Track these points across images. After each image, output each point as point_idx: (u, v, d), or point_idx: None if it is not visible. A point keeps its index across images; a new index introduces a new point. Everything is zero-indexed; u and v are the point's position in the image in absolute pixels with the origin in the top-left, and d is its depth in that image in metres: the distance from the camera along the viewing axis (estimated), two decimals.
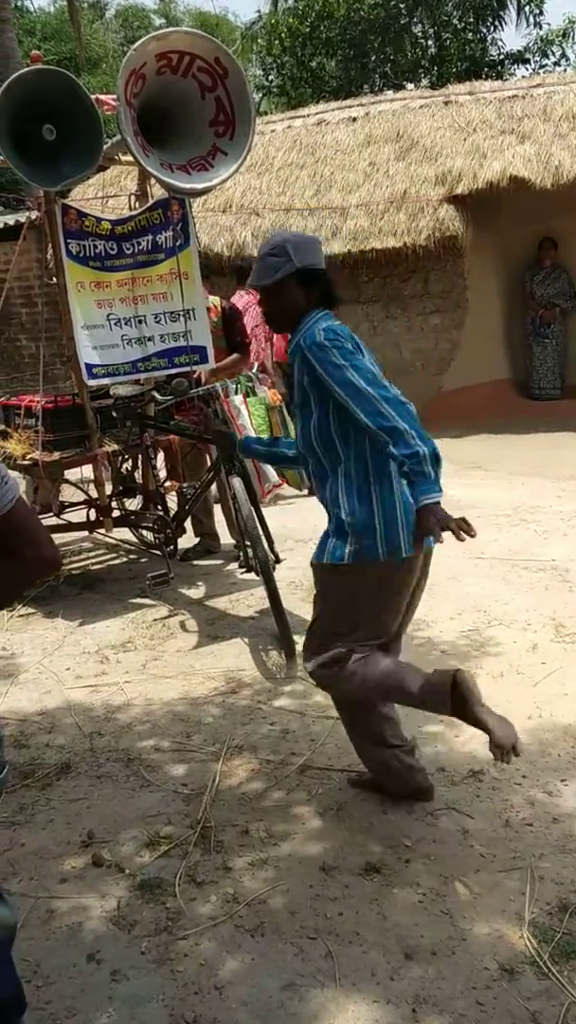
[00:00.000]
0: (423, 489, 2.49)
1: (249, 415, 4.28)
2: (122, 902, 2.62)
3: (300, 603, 4.80)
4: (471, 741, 3.33)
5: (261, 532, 4.40)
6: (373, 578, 2.74)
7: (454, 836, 2.81)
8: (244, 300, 6.95)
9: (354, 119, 10.48)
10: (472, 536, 2.45)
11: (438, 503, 2.48)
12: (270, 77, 19.48)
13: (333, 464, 2.76)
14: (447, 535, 2.45)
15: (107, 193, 9.04)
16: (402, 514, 2.69)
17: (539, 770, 3.12)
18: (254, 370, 4.65)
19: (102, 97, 4.64)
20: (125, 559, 6.06)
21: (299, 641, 4.14)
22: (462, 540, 2.46)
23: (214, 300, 5.69)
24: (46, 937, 2.51)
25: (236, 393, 4.39)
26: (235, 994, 2.26)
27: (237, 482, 4.39)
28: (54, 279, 5.68)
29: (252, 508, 4.36)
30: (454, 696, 2.63)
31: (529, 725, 3.41)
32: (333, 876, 2.67)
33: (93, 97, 4.46)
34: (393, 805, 2.98)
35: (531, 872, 2.61)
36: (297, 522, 6.23)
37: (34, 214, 10.10)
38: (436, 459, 2.52)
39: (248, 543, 4.43)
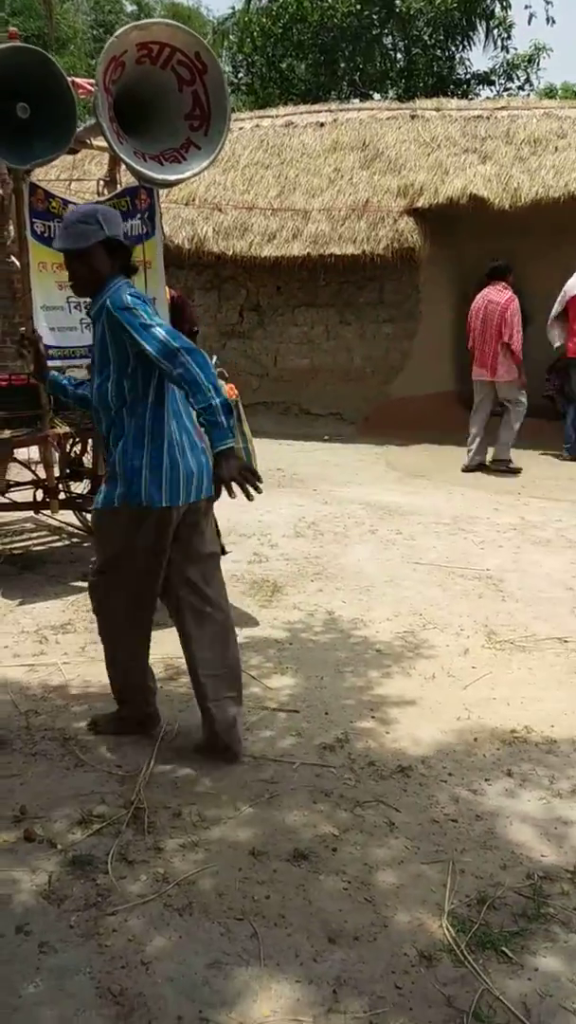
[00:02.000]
0: (217, 436, 2.86)
1: None
2: (53, 877, 2.65)
3: (241, 596, 4.87)
4: (401, 739, 3.43)
5: None
6: (134, 520, 3.12)
7: (381, 828, 2.90)
8: (505, 296, 7.96)
9: (322, 124, 10.61)
10: (258, 492, 2.95)
11: (232, 449, 2.90)
12: (239, 74, 19.53)
13: (123, 420, 3.10)
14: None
15: (71, 176, 8.99)
16: (168, 469, 3.07)
17: (465, 769, 3.23)
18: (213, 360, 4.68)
19: (78, 80, 4.65)
20: (67, 542, 6.05)
21: (240, 633, 4.22)
22: (249, 497, 2.94)
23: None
24: None
25: None
26: (161, 969, 2.31)
27: None
28: (11, 257, 5.65)
29: None
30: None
31: (457, 726, 3.53)
32: (262, 861, 2.73)
33: (69, 80, 4.45)
34: (324, 796, 3.06)
35: (452, 865, 2.71)
36: (242, 516, 6.30)
37: None
38: (228, 409, 2.89)
39: None
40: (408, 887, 2.63)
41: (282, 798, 3.05)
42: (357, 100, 17.45)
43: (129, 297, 2.99)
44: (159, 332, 2.92)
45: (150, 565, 3.19)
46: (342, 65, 18.96)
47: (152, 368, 3.00)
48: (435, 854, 2.77)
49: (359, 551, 5.72)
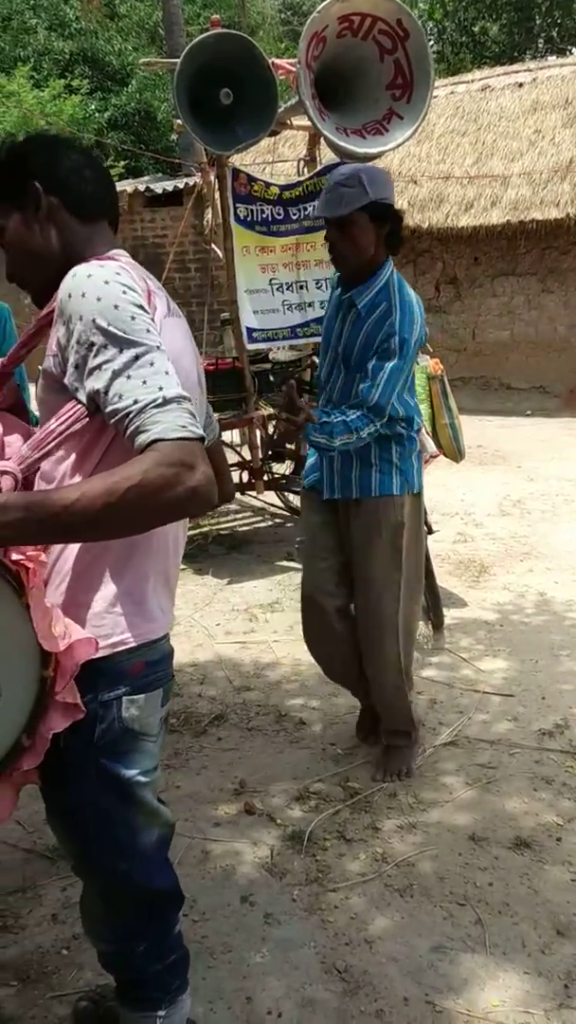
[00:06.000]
0: (317, 427, 2.72)
1: None
2: (274, 850, 2.69)
3: (448, 576, 4.79)
4: None
5: None
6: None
7: None
8: None
9: (520, 85, 10.19)
10: None
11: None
12: (429, 42, 19.09)
13: None
14: None
15: (266, 160, 9.09)
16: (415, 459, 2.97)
17: None
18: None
19: (278, 62, 4.65)
20: (271, 522, 6.15)
21: (448, 614, 4.14)
22: None
23: None
24: (201, 876, 2.61)
25: None
26: (385, 949, 2.30)
27: None
28: (211, 244, 5.77)
29: None
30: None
31: None
32: (482, 847, 2.67)
33: (270, 61, 4.47)
34: (544, 783, 2.95)
35: None
36: (445, 495, 6.19)
37: (192, 180, 10.28)
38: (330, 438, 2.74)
39: None
40: None
41: (500, 783, 2.97)
42: (554, 57, 16.63)
43: (419, 327, 2.76)
44: (390, 389, 2.72)
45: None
46: (538, 21, 18.15)
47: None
48: None
49: (570, 529, 5.48)
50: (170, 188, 11.05)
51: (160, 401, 1.31)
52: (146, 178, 12.88)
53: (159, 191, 11.07)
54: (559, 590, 4.56)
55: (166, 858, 1.74)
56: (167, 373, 1.35)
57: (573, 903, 2.43)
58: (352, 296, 2.81)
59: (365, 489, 2.91)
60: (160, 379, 1.34)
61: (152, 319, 1.42)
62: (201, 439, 1.32)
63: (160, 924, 1.74)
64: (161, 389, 1.33)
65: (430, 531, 4.60)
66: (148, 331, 1.37)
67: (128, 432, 1.32)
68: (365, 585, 2.97)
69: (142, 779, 1.60)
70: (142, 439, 1.30)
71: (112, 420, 1.34)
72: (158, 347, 1.37)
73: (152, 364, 1.34)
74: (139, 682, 1.56)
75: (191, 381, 1.60)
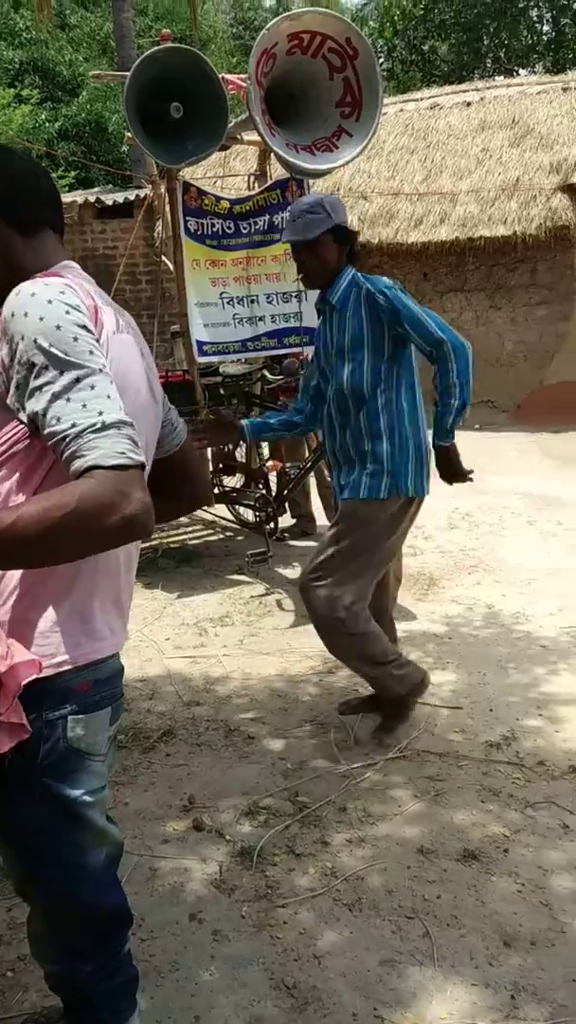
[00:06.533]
0: (440, 432, 3.01)
1: None
2: (223, 867, 2.68)
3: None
4: (572, 738, 3.30)
5: None
6: (399, 510, 3.12)
7: (554, 830, 2.79)
8: None
9: (468, 104, 10.35)
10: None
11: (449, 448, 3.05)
12: (380, 61, 19.32)
13: (376, 409, 3.06)
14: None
15: (218, 174, 9.11)
16: (425, 458, 3.13)
17: None
18: None
19: (228, 76, 4.67)
20: (221, 536, 6.14)
21: (398, 627, 4.16)
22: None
23: None
24: (149, 893, 2.58)
25: None
26: (334, 965, 2.29)
27: None
28: (162, 257, 5.77)
29: None
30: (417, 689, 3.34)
31: None
32: (430, 859, 2.68)
33: (220, 76, 4.49)
34: (492, 795, 2.98)
35: None
36: None
37: (143, 192, 10.26)
38: (460, 412, 2.99)
39: None
40: None
41: (449, 796, 2.99)
42: (501, 77, 16.96)
43: (384, 280, 3.05)
44: (427, 318, 2.95)
45: (390, 555, 3.26)
46: (485, 42, 18.50)
47: (403, 353, 3.06)
48: None
49: (518, 543, 5.56)
50: (121, 200, 11.03)
51: (99, 426, 1.28)
52: (96, 189, 12.84)
53: (110, 202, 11.04)
54: (506, 603, 4.62)
55: (115, 877, 1.72)
56: (109, 397, 1.32)
57: (520, 914, 2.45)
58: (327, 297, 3.15)
59: (353, 491, 3.13)
60: (101, 403, 1.30)
61: (98, 339, 1.39)
62: (141, 466, 1.29)
63: (109, 944, 1.72)
64: (101, 413, 1.29)
65: None
66: (91, 353, 1.34)
67: (65, 456, 1.29)
68: (316, 557, 3.25)
69: (88, 799, 1.57)
70: (78, 464, 1.27)
71: (50, 443, 1.31)
72: (101, 369, 1.34)
73: (93, 387, 1.31)
74: (86, 701, 1.53)
75: (141, 397, 1.57)
